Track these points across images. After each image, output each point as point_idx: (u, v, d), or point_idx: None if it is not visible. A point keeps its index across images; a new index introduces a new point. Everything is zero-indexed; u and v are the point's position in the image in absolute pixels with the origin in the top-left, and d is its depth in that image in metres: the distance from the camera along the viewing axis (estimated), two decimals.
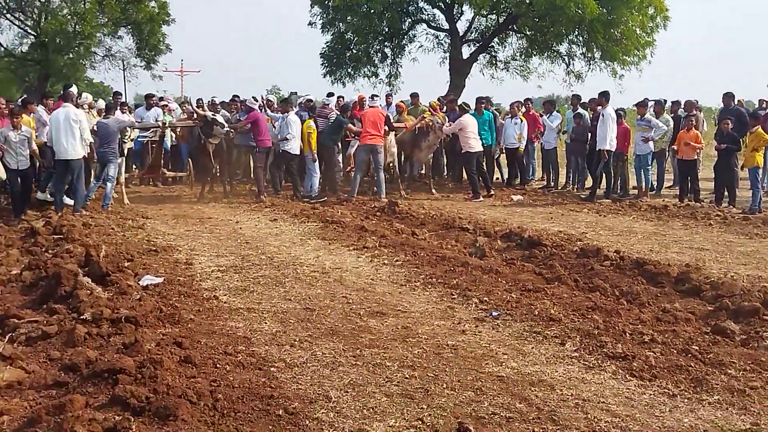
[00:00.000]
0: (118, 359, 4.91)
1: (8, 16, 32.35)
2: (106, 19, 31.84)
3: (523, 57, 27.18)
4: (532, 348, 5.96)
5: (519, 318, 6.73)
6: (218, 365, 5.31)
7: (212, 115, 14.92)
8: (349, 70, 27.74)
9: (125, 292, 7.02)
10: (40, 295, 7.09)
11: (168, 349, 5.42)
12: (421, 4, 26.96)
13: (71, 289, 6.91)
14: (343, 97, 18.77)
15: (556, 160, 17.39)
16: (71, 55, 32.62)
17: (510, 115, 17.38)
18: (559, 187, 17.08)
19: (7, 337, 5.89)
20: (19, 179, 12.15)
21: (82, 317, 6.09)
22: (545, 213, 13.44)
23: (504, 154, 18.10)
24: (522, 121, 16.98)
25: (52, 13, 31.57)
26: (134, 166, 17.07)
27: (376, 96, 16.51)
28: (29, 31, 32.87)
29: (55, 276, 7.21)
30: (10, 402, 4.68)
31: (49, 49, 31.05)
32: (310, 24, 27.51)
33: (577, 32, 24.48)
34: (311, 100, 17.14)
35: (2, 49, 33.40)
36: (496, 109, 19.42)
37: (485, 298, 7.35)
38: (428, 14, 27.40)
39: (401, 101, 18.56)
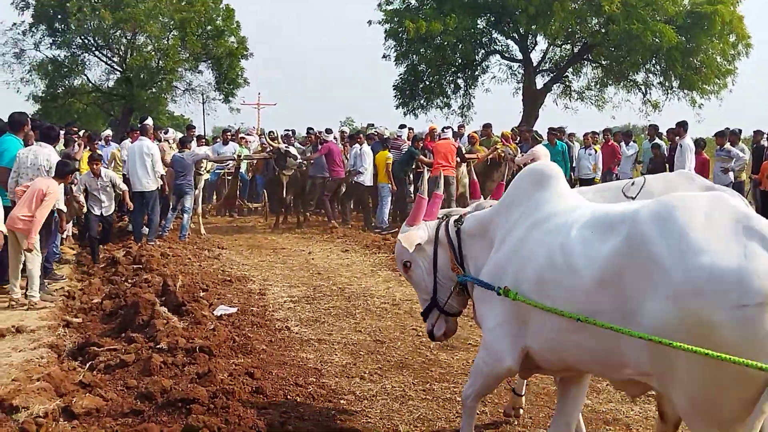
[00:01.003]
0: (192, 389, 5.00)
1: (96, 53, 33.87)
2: (188, 55, 32.97)
3: (598, 86, 26.91)
4: (607, 385, 5.79)
5: None
6: (289, 396, 5.35)
7: (285, 147, 15.19)
8: (422, 101, 27.97)
9: (200, 321, 7.15)
10: (119, 324, 7.29)
11: (240, 379, 5.49)
12: (494, 36, 27.06)
13: (149, 318, 7.08)
14: (413, 129, 18.87)
15: None
16: (154, 90, 33.92)
17: (584, 146, 17.13)
18: None
19: (87, 365, 6.07)
20: (100, 223, 11.64)
21: (158, 346, 6.23)
22: None
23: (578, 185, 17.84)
24: (596, 151, 16.71)
25: (137, 49, 32.89)
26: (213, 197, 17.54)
27: (448, 128, 16.52)
28: (115, 67, 34.29)
29: (133, 305, 7.40)
30: (89, 429, 4.81)
31: (133, 84, 32.34)
32: (384, 57, 27.86)
33: (654, 61, 24.13)
34: (379, 132, 17.29)
35: (90, 84, 34.89)
36: (570, 139, 19.17)
37: None
38: (502, 45, 27.46)
39: (474, 132, 18.53)
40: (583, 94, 27.42)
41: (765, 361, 2.58)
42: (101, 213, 11.37)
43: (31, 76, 33.61)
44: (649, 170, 16.00)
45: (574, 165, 17.14)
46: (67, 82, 34.41)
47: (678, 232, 2.88)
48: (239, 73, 34.59)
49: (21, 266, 8.32)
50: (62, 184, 8.64)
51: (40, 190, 8.15)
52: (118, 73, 34.23)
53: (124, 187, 11.90)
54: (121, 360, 5.99)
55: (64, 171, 8.60)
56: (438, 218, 4.46)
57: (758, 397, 2.68)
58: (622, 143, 17.10)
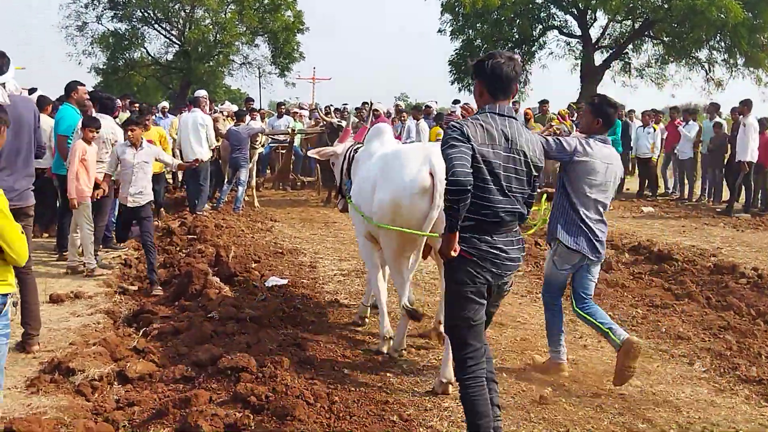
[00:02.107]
0: (242, 357, 5.08)
1: (156, 26, 34.34)
2: (245, 28, 33.19)
3: (658, 64, 26.23)
4: (658, 366, 5.72)
5: (644, 335, 6.49)
6: (336, 367, 5.40)
7: (338, 121, 15.21)
8: None
9: (251, 292, 7.26)
10: (173, 293, 7.45)
11: (289, 349, 5.57)
12: (553, 11, 26.57)
13: (201, 288, 7.22)
14: (468, 105, 18.70)
15: (692, 170, 16.59)
16: (211, 63, 34.27)
17: (643, 125, 16.76)
18: (694, 199, 16.28)
19: (141, 332, 6.22)
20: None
21: (209, 315, 6.35)
22: (677, 226, 12.85)
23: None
24: (655, 130, 16.34)
25: (195, 23, 33.26)
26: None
27: None
28: (174, 40, 34.76)
29: (187, 275, 7.55)
30: (142, 393, 4.94)
31: (191, 57, 32.73)
32: (439, 31, 27.62)
33: (718, 37, 23.38)
34: (430, 107, 17.15)
35: (149, 57, 35.43)
36: (629, 117, 18.76)
37: (609, 313, 7.09)
38: (560, 21, 26.96)
39: (528, 108, 18.29)
40: (643, 72, 26.80)
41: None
42: (134, 203, 8.05)
43: (92, 48, 34.33)
44: (709, 150, 15.61)
45: (631, 144, 16.80)
46: (127, 54, 35.02)
47: (401, 158, 5.41)
48: (295, 47, 34.73)
49: (79, 234, 8.52)
50: (93, 144, 8.38)
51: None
52: (176, 46, 34.72)
53: (171, 160, 9.42)
54: (174, 328, 6.14)
55: (84, 125, 8.28)
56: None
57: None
58: (683, 122, 16.65)
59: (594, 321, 5.34)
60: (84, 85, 9.32)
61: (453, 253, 3.65)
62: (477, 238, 3.74)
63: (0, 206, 3.38)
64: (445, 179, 3.54)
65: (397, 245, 5.47)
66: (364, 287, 8.07)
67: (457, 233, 3.63)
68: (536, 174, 3.94)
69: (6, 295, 3.52)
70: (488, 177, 3.71)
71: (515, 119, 3.87)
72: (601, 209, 5.33)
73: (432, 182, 5.09)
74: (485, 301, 3.81)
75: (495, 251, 3.77)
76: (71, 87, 9.06)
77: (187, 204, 13.41)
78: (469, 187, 3.51)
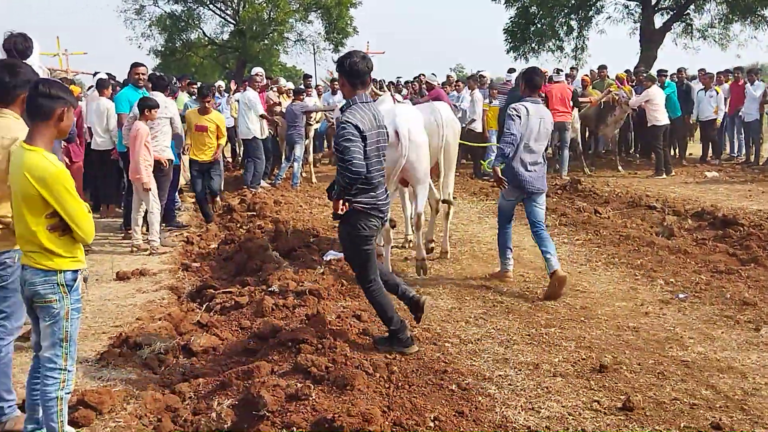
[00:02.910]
0: (302, 330, 5.16)
1: (210, 6, 34.72)
2: (298, 5, 33.28)
3: (722, 24, 25.30)
4: (722, 333, 5.61)
5: (708, 301, 6.36)
6: None
7: (392, 94, 15.15)
8: (533, 45, 27.17)
9: (310, 266, 7.35)
10: (234, 268, 7.60)
11: (348, 321, 5.63)
12: None
13: (261, 263, 7.34)
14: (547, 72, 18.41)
15: (758, 132, 16.04)
16: (266, 41, 34.52)
17: (704, 88, 16.25)
18: (761, 163, 15.76)
19: (204, 306, 6.38)
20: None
21: (270, 289, 6.46)
22: (743, 190, 12.49)
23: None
24: (718, 92, 15.85)
25: (249, 1, 33.46)
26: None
27: (560, 70, 15.99)
28: (229, 19, 35.11)
29: (247, 250, 7.68)
30: (206, 366, 5.08)
31: (246, 36, 33.03)
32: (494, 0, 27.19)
33: None
34: (483, 76, 16.93)
35: (206, 37, 35.87)
36: (690, 80, 18.22)
37: (671, 280, 7.00)
38: None
39: (586, 75, 17.92)
40: (706, 33, 25.85)
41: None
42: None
43: (150, 31, 34.94)
44: None
45: (692, 107, 16.35)
46: (184, 36, 35.57)
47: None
48: (348, 22, 34.71)
49: (143, 213, 8.75)
50: (148, 121, 8.59)
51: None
52: (231, 25, 35.07)
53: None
54: (236, 302, 6.27)
55: (141, 108, 8.56)
56: None
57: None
58: (748, 83, 16.07)
59: (539, 246, 6.80)
60: (140, 66, 9.53)
61: (339, 212, 4.89)
62: (365, 195, 4.93)
63: (67, 185, 3.48)
64: (349, 162, 4.69)
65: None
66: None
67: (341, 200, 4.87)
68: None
69: (77, 270, 3.64)
70: (371, 151, 4.87)
71: (373, 102, 5.21)
72: (537, 153, 6.88)
73: (397, 137, 6.68)
74: (375, 237, 5.11)
75: (378, 203, 5.01)
76: (130, 69, 9.42)
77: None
78: (362, 175, 4.74)
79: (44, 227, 3.49)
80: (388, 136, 5.20)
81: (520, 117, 6.82)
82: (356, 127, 4.73)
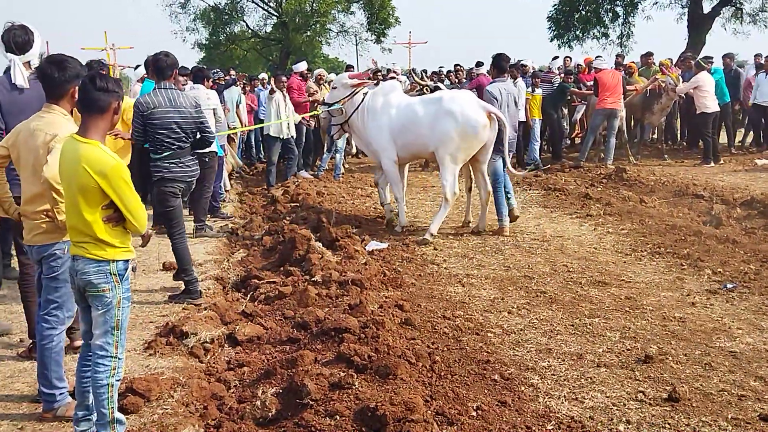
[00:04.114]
0: (344, 319, 5.20)
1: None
2: None
3: None
4: None
5: (757, 291, 6.25)
6: (437, 328, 5.46)
7: (434, 84, 15.11)
8: (578, 32, 26.84)
9: (352, 256, 7.39)
10: (278, 258, 7.67)
11: (390, 311, 5.65)
12: None
13: (305, 253, 7.40)
14: (570, 58, 18.20)
15: None
16: (309, 33, 34.64)
17: (765, 71, 15.75)
18: None
19: (249, 296, 6.46)
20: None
21: (313, 279, 6.52)
22: None
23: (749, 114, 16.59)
24: None
25: None
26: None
27: (599, 56, 15.74)
28: (272, 12, 35.33)
29: (290, 241, 7.75)
30: (251, 355, 5.16)
31: (289, 28, 33.22)
32: None
33: None
34: (525, 65, 16.77)
35: (249, 30, 36.15)
36: (739, 66, 17.77)
37: (719, 270, 6.89)
38: None
39: (632, 62, 17.62)
40: (756, 17, 25.24)
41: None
42: None
43: (195, 24, 35.34)
44: None
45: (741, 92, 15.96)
46: (227, 29, 35.88)
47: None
48: (390, 12, 34.66)
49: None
50: None
51: None
52: (274, 18, 35.28)
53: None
54: (280, 292, 6.33)
55: None
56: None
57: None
58: None
59: (495, 203, 8.82)
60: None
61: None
62: (169, 162, 6.37)
63: (124, 176, 3.56)
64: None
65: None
66: (463, 249, 8.11)
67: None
68: (196, 118, 6.49)
69: (128, 260, 3.72)
70: (165, 128, 6.30)
71: (173, 89, 6.47)
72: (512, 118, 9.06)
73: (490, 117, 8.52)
74: (180, 196, 6.50)
75: (183, 168, 6.43)
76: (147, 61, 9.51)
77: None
78: (140, 144, 6.46)
79: (100, 218, 3.57)
80: (186, 117, 6.42)
81: (496, 99, 8.76)
82: (141, 107, 6.27)
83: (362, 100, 9.20)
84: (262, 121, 13.64)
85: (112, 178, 3.52)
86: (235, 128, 10.83)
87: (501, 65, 9.14)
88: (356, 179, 14.07)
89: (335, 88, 9.55)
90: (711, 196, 10.28)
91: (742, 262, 7.06)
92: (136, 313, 6.02)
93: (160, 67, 6.51)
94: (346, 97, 9.24)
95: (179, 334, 5.33)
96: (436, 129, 8.50)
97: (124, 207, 3.56)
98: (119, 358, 3.68)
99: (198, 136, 6.53)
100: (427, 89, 11.87)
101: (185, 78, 10.05)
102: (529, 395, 4.34)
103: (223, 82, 12.77)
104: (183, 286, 6.46)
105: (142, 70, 11.33)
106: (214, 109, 9.32)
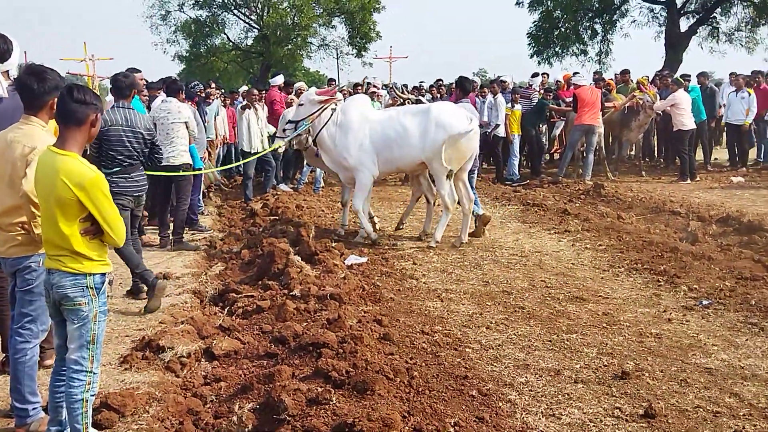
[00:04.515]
0: (322, 334, 5.18)
1: (235, 11, 35.00)
2: (321, 10, 33.45)
3: (749, 27, 25.09)
4: (747, 340, 5.56)
5: (733, 308, 6.30)
6: (415, 344, 5.45)
7: (416, 98, 15.18)
8: (557, 49, 27.11)
9: (331, 270, 7.37)
10: (256, 272, 7.64)
11: (368, 326, 5.64)
12: None
13: (283, 267, 7.38)
14: (547, 75, 18.37)
15: None
16: (290, 46, 34.70)
17: (735, 89, 16.01)
18: None
19: (226, 310, 6.43)
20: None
21: (292, 293, 6.50)
22: None
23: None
24: (750, 94, 15.64)
25: (273, 6, 33.73)
26: None
27: (576, 73, 15.92)
28: (253, 25, 35.38)
29: (269, 254, 7.73)
30: (228, 369, 5.12)
31: (270, 41, 33.25)
32: (517, 3, 27.19)
33: None
34: (505, 81, 16.89)
35: (230, 43, 36.14)
36: (716, 84, 18.04)
37: (695, 286, 6.95)
38: None
39: (610, 79, 17.80)
40: (732, 36, 25.64)
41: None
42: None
43: (176, 36, 35.27)
44: None
45: (720, 110, 16.20)
46: (208, 41, 35.84)
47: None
48: (371, 26, 34.82)
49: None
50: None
51: None
52: (255, 30, 35.33)
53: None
54: (258, 306, 6.31)
55: None
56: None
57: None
58: None
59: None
60: (138, 71, 9.47)
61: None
62: (119, 177, 6.62)
63: (103, 189, 3.53)
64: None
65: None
66: (442, 264, 8.13)
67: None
68: (147, 138, 6.89)
69: (104, 273, 3.69)
70: (118, 145, 6.72)
71: (131, 109, 6.86)
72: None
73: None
74: (129, 209, 6.72)
75: (131, 182, 6.76)
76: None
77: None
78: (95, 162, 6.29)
79: (78, 231, 3.54)
80: (138, 136, 6.82)
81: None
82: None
83: (330, 117, 9.00)
84: None
85: (90, 191, 3.49)
86: (210, 141, 10.79)
87: (465, 87, 9.88)
88: (336, 193, 14.04)
89: (302, 104, 9.23)
90: (687, 213, 10.39)
91: (717, 279, 7.12)
92: (112, 326, 5.97)
93: (119, 87, 6.95)
94: (313, 113, 8.96)
95: (155, 348, 5.29)
96: (428, 141, 8.56)
97: (103, 219, 3.54)
98: (94, 373, 3.64)
99: (148, 154, 6.98)
100: (408, 102, 11.92)
101: (158, 91, 10.05)
102: (507, 411, 4.34)
103: (203, 95, 12.69)
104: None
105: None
106: (185, 122, 9.25)
